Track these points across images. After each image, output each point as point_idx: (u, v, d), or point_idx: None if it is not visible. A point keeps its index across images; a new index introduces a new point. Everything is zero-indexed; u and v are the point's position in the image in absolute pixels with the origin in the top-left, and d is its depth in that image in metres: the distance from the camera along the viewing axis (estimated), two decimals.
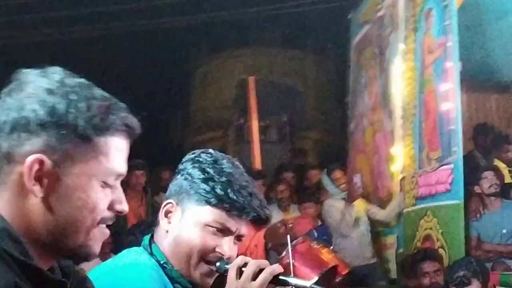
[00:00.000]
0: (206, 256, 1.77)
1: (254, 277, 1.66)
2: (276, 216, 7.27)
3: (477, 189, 6.07)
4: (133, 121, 1.25)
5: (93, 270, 1.78)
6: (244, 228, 1.80)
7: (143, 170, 7.06)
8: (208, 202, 1.76)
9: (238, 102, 10.51)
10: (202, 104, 12.93)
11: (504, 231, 5.95)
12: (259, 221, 1.81)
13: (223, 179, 1.77)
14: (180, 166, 1.85)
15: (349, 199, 6.99)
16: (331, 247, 6.62)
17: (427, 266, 5.10)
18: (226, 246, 1.78)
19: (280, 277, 1.68)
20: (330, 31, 10.32)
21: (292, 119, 10.64)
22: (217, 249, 1.76)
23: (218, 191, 1.76)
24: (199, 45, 13.14)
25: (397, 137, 7.14)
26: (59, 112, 1.16)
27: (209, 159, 1.81)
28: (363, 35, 8.46)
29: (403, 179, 6.92)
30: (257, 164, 8.28)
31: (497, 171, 6.16)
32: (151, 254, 1.80)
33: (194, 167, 1.80)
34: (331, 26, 9.99)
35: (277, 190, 7.38)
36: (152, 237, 1.86)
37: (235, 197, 1.76)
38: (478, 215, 6.05)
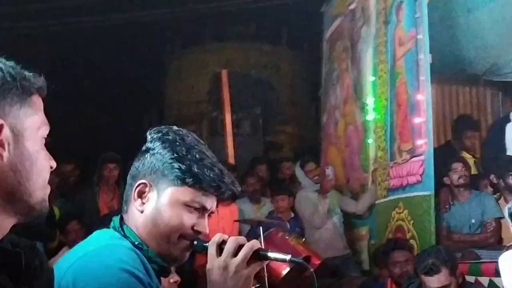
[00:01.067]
0: (184, 234, 1.79)
1: (235, 253, 1.69)
2: (247, 209, 7.30)
3: (446, 180, 6.15)
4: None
5: (67, 255, 1.79)
6: (215, 205, 1.85)
7: (116, 163, 7.04)
8: (185, 182, 1.77)
9: (212, 96, 10.50)
10: (177, 98, 12.89)
11: (473, 221, 6.03)
12: (231, 198, 1.90)
13: (196, 157, 1.79)
14: (148, 145, 1.85)
15: (322, 191, 7.03)
16: (304, 239, 6.68)
17: (397, 256, 5.16)
18: (204, 224, 1.81)
19: (260, 252, 1.72)
20: (304, 24, 10.34)
21: (266, 112, 10.66)
22: (195, 228, 1.79)
23: (195, 170, 1.77)
24: (172, 39, 13.08)
25: (368, 129, 7.19)
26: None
27: (177, 137, 1.82)
28: (335, 28, 8.49)
29: (375, 170, 6.98)
30: (230, 157, 8.29)
31: (465, 162, 6.24)
32: (124, 236, 1.80)
33: (164, 146, 1.81)
34: (305, 19, 10.00)
35: (248, 182, 7.41)
36: (122, 219, 1.85)
37: (210, 176, 1.78)
38: (447, 206, 6.13)
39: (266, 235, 5.64)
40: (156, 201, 1.80)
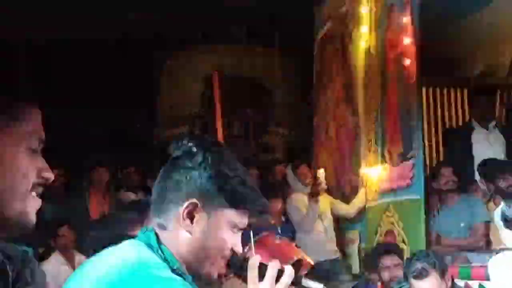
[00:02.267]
0: (225, 254, 1.77)
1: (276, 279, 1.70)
2: None
3: (435, 185, 6.16)
4: None
5: (95, 265, 1.68)
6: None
7: (106, 167, 7.02)
8: (236, 205, 1.74)
9: (203, 98, 10.49)
10: (168, 100, 12.87)
11: (462, 224, 6.04)
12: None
13: (241, 178, 1.76)
14: (194, 161, 1.75)
15: (313, 195, 7.02)
16: (294, 243, 6.67)
17: (387, 260, 5.15)
18: (240, 243, 1.79)
19: (297, 279, 1.73)
20: (296, 27, 10.34)
21: (258, 115, 10.66)
22: (234, 248, 1.76)
23: (243, 192, 1.74)
24: (164, 41, 13.07)
25: (360, 133, 7.19)
26: None
27: (223, 156, 1.77)
28: (327, 31, 8.50)
29: (365, 174, 6.98)
30: None
31: (454, 167, 6.24)
32: (164, 259, 1.70)
33: (214, 168, 1.73)
34: (297, 22, 10.00)
35: None
36: (157, 236, 1.74)
37: (256, 199, 1.77)
38: (436, 210, 6.14)
39: (258, 239, 5.62)
40: (206, 223, 1.73)
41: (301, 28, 9.74)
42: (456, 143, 6.93)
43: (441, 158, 7.45)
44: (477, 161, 6.53)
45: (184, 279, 1.68)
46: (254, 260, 1.73)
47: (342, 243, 7.30)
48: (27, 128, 1.27)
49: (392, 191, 6.33)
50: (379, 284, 5.38)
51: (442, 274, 4.11)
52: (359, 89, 7.28)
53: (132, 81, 11.70)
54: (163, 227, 1.75)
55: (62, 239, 6.26)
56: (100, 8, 9.99)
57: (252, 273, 1.71)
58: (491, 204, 6.03)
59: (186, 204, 1.72)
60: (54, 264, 6.10)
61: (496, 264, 4.36)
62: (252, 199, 1.77)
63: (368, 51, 7.05)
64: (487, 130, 6.78)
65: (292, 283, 1.73)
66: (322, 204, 7.05)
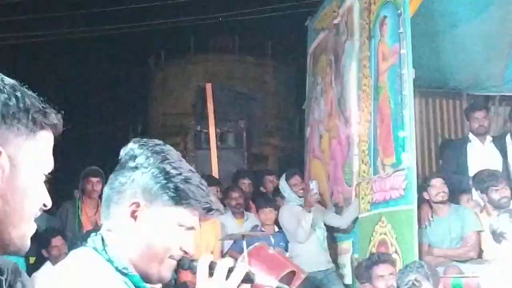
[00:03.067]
0: (173, 254, 1.78)
1: (226, 276, 1.70)
2: (230, 223, 7.29)
3: (426, 195, 6.19)
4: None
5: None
6: (198, 221, 1.84)
7: (99, 177, 7.00)
8: (179, 203, 1.75)
9: (196, 109, 10.50)
10: (161, 110, 12.90)
11: (453, 235, 6.07)
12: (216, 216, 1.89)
13: (187, 176, 1.77)
14: (138, 161, 1.78)
15: (306, 206, 7.03)
16: (287, 254, 6.68)
17: (381, 269, 5.16)
18: (191, 243, 1.80)
19: (250, 275, 1.73)
20: (288, 38, 10.38)
21: (250, 125, 10.68)
22: (183, 247, 1.77)
23: (187, 190, 1.75)
24: (158, 51, 13.11)
25: (352, 143, 7.20)
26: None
27: (167, 155, 1.78)
28: (319, 42, 8.52)
29: (358, 184, 6.99)
30: (214, 170, 8.29)
31: (445, 178, 6.28)
32: (108, 259, 1.74)
33: (156, 166, 1.76)
34: (290, 33, 10.04)
35: (231, 196, 7.40)
36: (102, 238, 1.78)
37: (202, 197, 1.77)
38: (427, 221, 6.17)
39: (250, 250, 5.63)
40: (149, 222, 1.76)
41: (293, 39, 9.79)
42: (452, 155, 6.97)
43: (434, 169, 7.48)
44: (472, 173, 6.57)
45: (132, 277, 1.72)
46: (205, 258, 1.74)
47: (335, 254, 7.31)
48: (43, 152, 1.29)
49: (385, 201, 6.33)
50: None
51: (435, 285, 4.13)
52: (352, 101, 7.29)
53: (126, 91, 11.73)
54: (110, 229, 1.77)
55: (55, 250, 6.24)
56: (92, 19, 10.01)
57: (202, 270, 1.72)
58: (484, 214, 6.07)
59: (129, 204, 1.75)
60: (46, 275, 6.07)
61: (488, 275, 4.39)
62: (197, 197, 1.77)
63: (361, 63, 7.07)
64: (483, 144, 6.84)
65: (246, 281, 1.72)
66: (315, 215, 7.06)
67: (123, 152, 1.82)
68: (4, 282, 1.24)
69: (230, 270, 1.71)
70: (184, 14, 10.36)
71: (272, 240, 6.88)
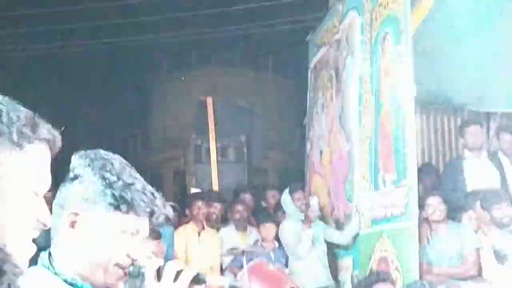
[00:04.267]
0: (119, 261, 1.75)
1: (174, 278, 1.70)
2: (233, 237, 7.27)
3: (424, 214, 6.17)
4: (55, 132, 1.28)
5: None
6: (147, 228, 1.81)
7: None
8: (119, 209, 1.73)
9: (197, 122, 10.49)
10: (162, 123, 12.91)
11: (452, 253, 6.03)
12: (164, 221, 1.84)
13: (127, 182, 1.75)
14: (76, 172, 1.77)
15: (306, 221, 7.01)
16: (287, 270, 6.64)
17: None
18: (138, 250, 1.78)
19: (199, 276, 1.73)
20: (289, 52, 10.39)
21: (251, 140, 10.67)
22: (130, 255, 1.75)
23: (127, 196, 1.73)
24: (159, 64, 13.12)
25: (353, 159, 7.18)
26: None
27: (107, 163, 1.77)
28: (320, 57, 8.52)
29: (359, 201, 6.96)
30: (215, 184, 8.27)
31: (442, 196, 6.25)
32: (55, 273, 1.73)
33: (94, 173, 1.74)
34: (291, 48, 10.05)
35: (235, 210, 7.40)
36: (50, 254, 1.77)
37: (144, 201, 1.75)
38: (426, 240, 6.14)
39: (250, 266, 5.60)
40: (89, 231, 1.73)
41: (295, 54, 9.79)
42: (449, 173, 6.96)
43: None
44: (470, 189, 6.55)
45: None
46: (152, 263, 1.74)
47: (335, 270, 7.26)
48: (32, 167, 1.23)
49: (386, 218, 6.30)
50: None
51: None
52: (352, 116, 7.28)
53: (126, 103, 11.74)
54: (54, 244, 1.76)
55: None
56: (94, 31, 10.03)
57: (149, 275, 1.72)
58: (480, 233, 6.05)
59: (66, 215, 1.73)
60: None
61: None
62: (138, 202, 1.74)
63: (362, 79, 7.07)
64: (479, 159, 6.83)
65: (198, 282, 1.72)
66: (316, 230, 7.03)
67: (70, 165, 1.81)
68: None
69: (179, 273, 1.70)
70: (186, 28, 10.37)
71: (272, 255, 6.84)
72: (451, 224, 6.20)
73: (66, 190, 1.77)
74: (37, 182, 1.24)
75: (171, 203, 7.60)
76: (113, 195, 1.73)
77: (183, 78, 11.92)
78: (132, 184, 1.76)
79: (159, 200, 1.80)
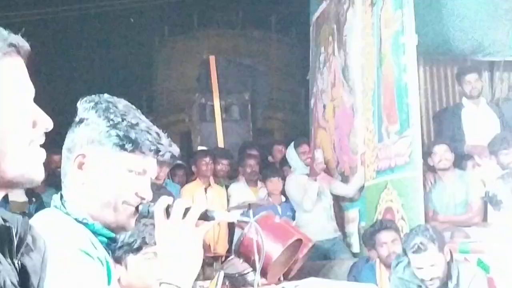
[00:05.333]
0: (128, 200, 1.80)
1: (183, 215, 1.73)
2: (244, 191, 7.34)
3: (430, 161, 6.20)
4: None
5: None
6: (155, 167, 1.86)
7: None
8: (124, 148, 1.78)
9: (200, 82, 10.50)
10: (166, 85, 12.90)
11: (458, 201, 6.08)
12: (171, 160, 1.90)
13: (132, 122, 1.79)
14: (82, 116, 1.82)
15: (312, 175, 7.06)
16: (294, 223, 6.71)
17: (384, 236, 5.20)
18: (147, 188, 1.83)
19: (207, 213, 1.76)
20: (291, 9, 10.34)
21: (255, 98, 10.67)
22: (139, 193, 1.80)
23: (132, 135, 1.78)
24: (161, 27, 13.07)
25: (357, 112, 7.20)
26: None
27: (110, 105, 1.81)
28: (322, 12, 8.49)
29: (364, 153, 7.00)
30: (220, 142, 8.31)
31: (450, 145, 6.26)
32: (67, 213, 1.79)
33: (99, 115, 1.79)
34: (292, 4, 10.00)
35: (247, 164, 7.47)
36: (62, 196, 1.83)
37: (148, 140, 1.79)
38: (432, 187, 6.18)
39: (257, 219, 5.65)
40: (96, 171, 1.79)
41: (297, 11, 9.75)
42: (447, 122, 6.96)
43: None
44: (468, 138, 6.57)
45: (92, 226, 1.77)
46: (161, 201, 1.77)
47: (342, 223, 7.34)
48: (17, 81, 1.22)
49: (390, 168, 6.34)
50: (377, 260, 5.42)
51: (441, 248, 4.14)
52: (355, 69, 7.28)
53: (130, 67, 11.73)
54: (64, 185, 1.83)
55: None
56: None
57: (159, 213, 1.75)
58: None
59: (73, 156, 1.79)
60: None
61: (494, 240, 4.41)
62: (144, 141, 1.79)
63: (363, 31, 7.05)
64: (477, 107, 6.81)
65: (208, 218, 1.75)
66: (321, 183, 7.09)
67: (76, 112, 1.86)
68: (13, 232, 1.23)
69: (187, 210, 1.73)
70: None
71: (279, 209, 6.92)
72: (457, 172, 6.23)
73: (73, 134, 1.82)
74: (21, 93, 1.22)
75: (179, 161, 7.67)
76: (118, 135, 1.78)
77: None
78: (137, 124, 1.80)
79: (164, 139, 1.85)
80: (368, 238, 5.43)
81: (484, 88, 7.30)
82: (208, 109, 9.48)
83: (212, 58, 8.70)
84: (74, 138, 1.82)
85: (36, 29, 10.47)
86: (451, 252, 4.33)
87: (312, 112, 8.73)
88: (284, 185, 7.22)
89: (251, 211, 5.79)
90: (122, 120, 1.79)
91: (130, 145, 1.78)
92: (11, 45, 1.21)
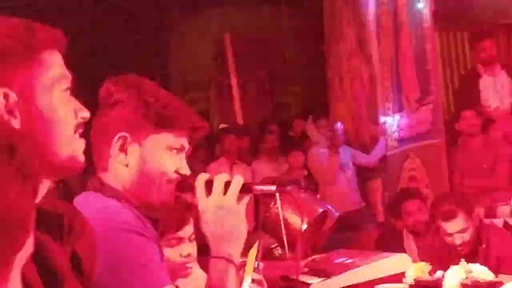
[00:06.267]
0: (169, 178, 1.82)
1: (224, 190, 1.76)
2: (264, 167, 7.35)
3: (457, 126, 6.14)
4: None
5: None
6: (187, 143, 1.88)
7: None
8: (164, 127, 1.79)
9: (216, 61, 10.45)
10: (180, 66, 12.86)
11: (485, 165, 6.04)
12: (202, 135, 1.95)
13: (165, 101, 1.81)
14: (116, 97, 1.81)
15: (333, 147, 7.05)
16: (318, 196, 6.70)
17: (409, 205, 5.16)
18: (185, 165, 1.85)
19: (247, 186, 1.81)
20: None
21: (271, 74, 10.61)
22: (178, 170, 1.82)
23: (168, 113, 1.79)
24: (171, 6, 12.99)
25: (375, 81, 7.17)
26: None
27: (141, 86, 1.82)
28: None
29: (384, 122, 6.98)
30: (239, 120, 8.31)
31: (478, 110, 6.19)
32: (109, 196, 1.78)
33: (132, 97, 1.80)
34: None
35: (267, 139, 7.48)
36: (98, 179, 1.82)
37: (184, 118, 1.82)
38: (456, 153, 6.14)
39: (282, 193, 5.65)
40: (139, 152, 1.79)
41: None
42: (463, 90, 6.87)
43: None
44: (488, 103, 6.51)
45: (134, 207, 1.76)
46: (201, 178, 1.79)
47: (365, 193, 7.34)
48: (54, 73, 1.28)
49: (412, 137, 6.33)
50: (404, 230, 5.41)
51: (469, 213, 4.13)
52: (371, 38, 7.23)
53: (142, 47, 11.68)
54: (104, 169, 1.81)
55: None
56: None
57: (201, 189, 1.78)
58: None
59: (115, 139, 1.78)
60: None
61: None
62: (179, 118, 1.81)
63: (378, 0, 6.99)
64: (493, 73, 6.70)
65: (244, 192, 1.79)
66: (343, 155, 7.08)
67: (100, 93, 1.85)
68: (64, 218, 1.25)
69: (227, 185, 1.76)
70: None
71: (302, 183, 6.92)
72: (481, 137, 6.18)
73: (106, 117, 1.81)
74: (62, 82, 1.29)
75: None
76: (156, 115, 1.78)
77: None
78: (169, 103, 1.82)
79: (194, 116, 1.88)
80: (394, 207, 5.40)
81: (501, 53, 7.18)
82: (225, 88, 9.44)
83: (227, 36, 8.65)
84: (107, 121, 1.81)
85: (49, 12, 10.43)
86: (480, 218, 4.32)
87: (329, 85, 8.68)
88: (305, 158, 7.22)
89: (275, 186, 5.79)
90: (156, 100, 1.79)
91: (168, 124, 1.80)
92: (51, 43, 1.28)
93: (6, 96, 1.19)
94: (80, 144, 1.29)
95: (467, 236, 4.08)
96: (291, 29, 11.99)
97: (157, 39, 12.24)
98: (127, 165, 1.80)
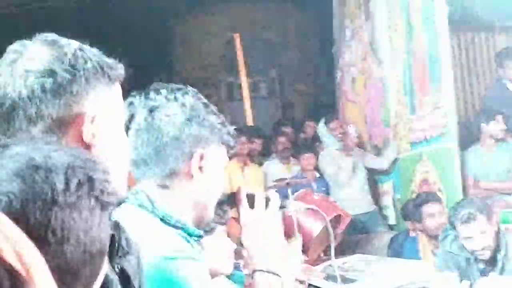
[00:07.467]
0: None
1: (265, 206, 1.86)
2: (276, 168, 7.35)
3: (483, 127, 6.07)
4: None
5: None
6: None
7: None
8: (224, 142, 1.73)
9: (225, 60, 10.44)
10: (185, 64, 12.83)
11: (500, 168, 6.02)
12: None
13: (215, 115, 1.72)
14: (192, 112, 1.67)
15: (345, 149, 7.05)
16: (331, 198, 6.70)
17: (430, 208, 5.15)
18: (224, 179, 1.84)
19: (282, 203, 1.95)
20: None
21: (281, 74, 10.62)
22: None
23: (223, 129, 1.72)
24: (177, 4, 12.97)
25: (388, 84, 7.16)
26: None
27: (194, 97, 1.70)
28: None
29: (396, 125, 6.97)
30: (249, 120, 8.30)
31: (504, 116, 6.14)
32: (161, 218, 1.64)
33: (208, 111, 1.69)
34: None
35: (279, 141, 7.48)
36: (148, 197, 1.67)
37: (229, 134, 1.77)
38: (471, 155, 6.11)
39: (296, 196, 5.64)
40: (212, 170, 1.70)
41: None
42: (493, 96, 6.82)
43: (475, 105, 7.44)
44: None
45: (187, 230, 1.66)
46: (244, 193, 1.85)
47: (376, 196, 7.34)
48: (123, 104, 1.40)
49: (425, 140, 6.32)
50: (419, 233, 5.39)
51: (489, 218, 4.12)
52: (384, 41, 7.22)
53: (148, 45, 11.65)
54: (164, 186, 1.66)
55: None
56: None
57: (244, 204, 1.85)
58: None
59: (195, 157, 1.66)
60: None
61: None
62: (229, 133, 1.75)
63: (390, 2, 6.98)
64: None
65: (281, 208, 1.93)
66: (355, 158, 7.08)
67: (153, 97, 1.69)
68: (115, 236, 1.24)
69: (268, 201, 1.87)
70: None
71: (314, 186, 6.91)
72: (499, 143, 6.16)
73: (176, 131, 1.66)
74: (124, 115, 1.39)
75: None
76: (218, 130, 1.71)
77: None
78: (218, 116, 1.75)
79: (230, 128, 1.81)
80: (412, 210, 5.38)
81: None
82: (234, 88, 9.44)
83: (237, 36, 8.62)
84: (179, 135, 1.65)
85: (52, 11, 10.43)
86: (498, 223, 4.31)
87: (338, 86, 8.67)
88: (317, 160, 7.21)
89: (289, 189, 5.78)
90: (214, 114, 1.73)
91: (227, 139, 1.74)
92: (120, 75, 1.33)
93: (92, 119, 1.23)
94: (126, 178, 1.34)
95: (487, 239, 4.07)
96: (299, 29, 11.98)
97: (160, 40, 12.21)
98: (200, 183, 1.75)
